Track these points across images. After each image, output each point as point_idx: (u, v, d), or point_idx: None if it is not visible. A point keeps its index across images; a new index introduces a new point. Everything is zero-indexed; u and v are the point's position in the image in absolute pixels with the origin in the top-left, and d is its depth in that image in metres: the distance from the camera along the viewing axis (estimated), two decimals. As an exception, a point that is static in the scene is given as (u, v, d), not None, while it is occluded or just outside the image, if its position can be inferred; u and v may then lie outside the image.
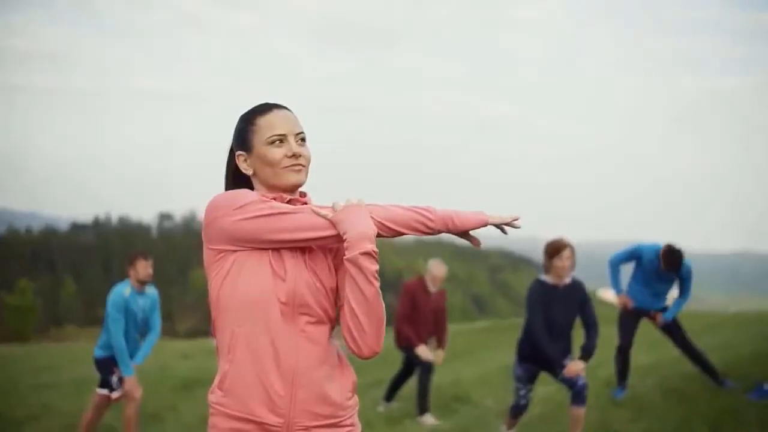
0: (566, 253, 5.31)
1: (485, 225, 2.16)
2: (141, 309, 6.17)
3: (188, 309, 64.36)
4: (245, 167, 2.15)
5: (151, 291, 6.31)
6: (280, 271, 2.03)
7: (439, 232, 2.14)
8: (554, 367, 5.34)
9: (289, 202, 2.11)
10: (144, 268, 6.12)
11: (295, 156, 2.09)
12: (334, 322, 2.13)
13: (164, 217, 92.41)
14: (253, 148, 2.11)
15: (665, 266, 6.59)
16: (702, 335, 8.32)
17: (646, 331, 7.49)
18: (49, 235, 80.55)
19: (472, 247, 2.15)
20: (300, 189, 2.16)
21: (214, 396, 2.08)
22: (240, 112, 2.19)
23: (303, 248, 2.07)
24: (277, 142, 2.09)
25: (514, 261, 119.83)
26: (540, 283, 5.43)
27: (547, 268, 5.38)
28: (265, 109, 2.14)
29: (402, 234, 2.11)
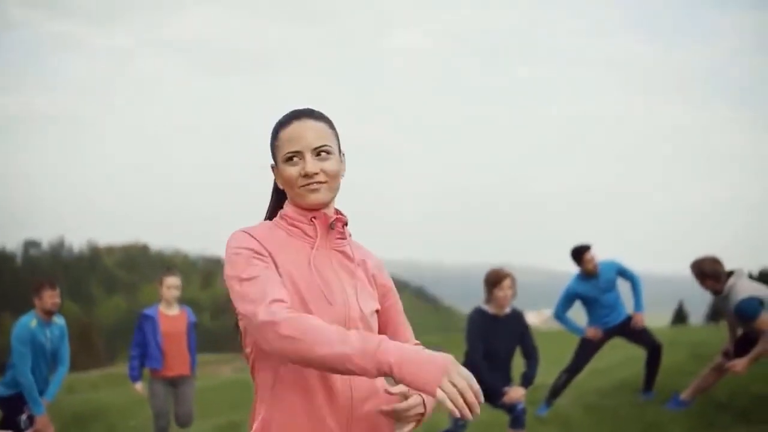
0: (507, 282, 5.23)
1: (432, 395, 1.55)
2: (49, 340, 5.78)
3: (57, 341, 61.13)
4: (278, 182, 1.98)
5: (60, 321, 5.91)
6: (329, 296, 1.84)
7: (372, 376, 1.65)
8: (495, 397, 5.21)
9: (323, 220, 1.92)
10: (50, 297, 5.72)
11: (308, 175, 1.87)
12: None
13: (30, 244, 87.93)
14: (277, 165, 1.95)
15: (582, 264, 6.73)
16: (600, 352, 8.40)
17: (549, 349, 7.56)
18: None
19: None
20: (334, 206, 1.98)
21: None
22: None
23: (349, 272, 1.92)
24: (293, 159, 1.89)
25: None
26: (480, 313, 5.33)
27: (488, 298, 5.31)
28: (286, 120, 1.94)
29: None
